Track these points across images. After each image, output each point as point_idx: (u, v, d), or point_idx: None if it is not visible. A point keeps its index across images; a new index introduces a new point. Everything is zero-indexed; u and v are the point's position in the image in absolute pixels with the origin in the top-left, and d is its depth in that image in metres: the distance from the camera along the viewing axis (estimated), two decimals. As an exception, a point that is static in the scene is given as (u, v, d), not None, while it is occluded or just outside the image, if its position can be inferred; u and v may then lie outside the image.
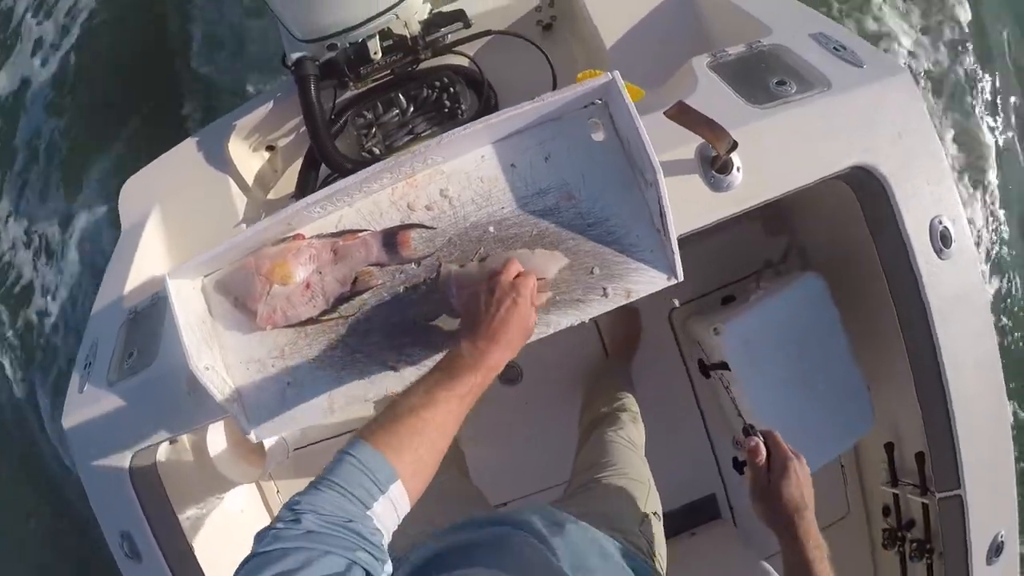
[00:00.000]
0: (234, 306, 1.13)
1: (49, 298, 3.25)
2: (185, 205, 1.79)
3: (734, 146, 1.10)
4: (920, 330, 1.26)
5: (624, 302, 1.06)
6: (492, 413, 1.93)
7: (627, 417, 1.58)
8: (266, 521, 1.96)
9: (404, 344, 1.10)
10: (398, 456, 0.74)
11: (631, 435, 1.51)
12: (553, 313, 1.06)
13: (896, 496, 1.57)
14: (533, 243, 1.06)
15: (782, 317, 1.49)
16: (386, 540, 0.70)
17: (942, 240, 1.23)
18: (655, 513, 1.22)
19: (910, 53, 2.93)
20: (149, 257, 1.72)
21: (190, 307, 1.11)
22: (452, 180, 1.09)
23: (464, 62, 1.81)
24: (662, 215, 1.00)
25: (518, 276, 0.94)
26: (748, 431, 0.98)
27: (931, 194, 1.22)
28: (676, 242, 1.02)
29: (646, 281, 1.05)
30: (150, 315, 1.43)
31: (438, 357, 0.97)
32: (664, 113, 1.12)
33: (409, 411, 0.79)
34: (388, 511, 0.71)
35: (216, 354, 1.14)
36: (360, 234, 1.11)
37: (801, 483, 0.91)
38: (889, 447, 1.58)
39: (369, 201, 1.11)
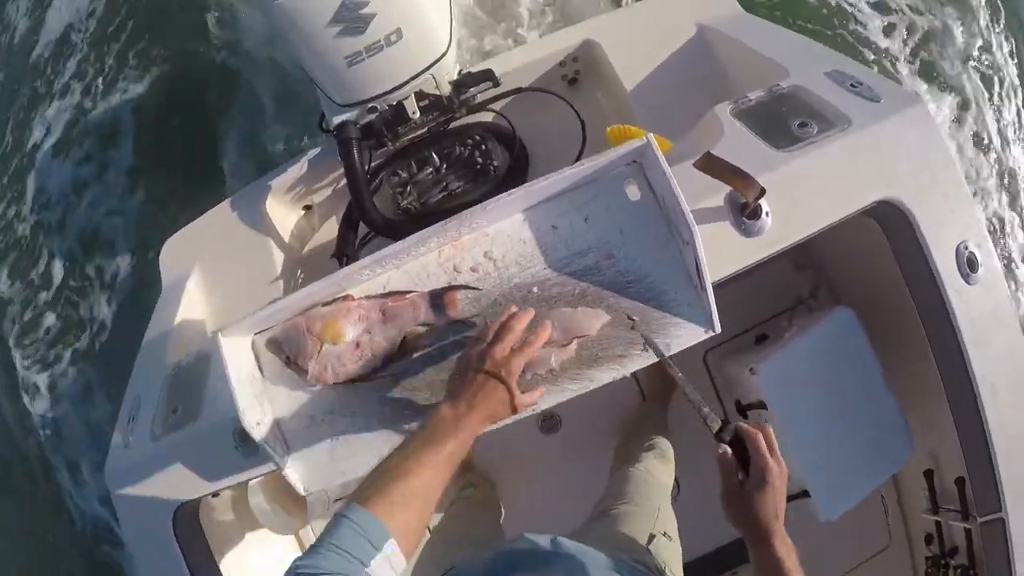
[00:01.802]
0: (285, 364, 1.17)
1: (82, 356, 3.33)
2: (224, 263, 1.83)
3: (762, 193, 1.13)
4: (953, 356, 1.26)
5: (665, 356, 1.07)
6: (530, 460, 1.94)
7: (653, 454, 1.57)
8: (305, 572, 1.98)
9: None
10: (392, 518, 0.78)
11: (650, 467, 1.50)
12: (595, 369, 1.08)
13: (938, 523, 1.54)
14: (575, 302, 1.09)
15: (816, 353, 1.49)
16: None
17: (969, 265, 1.24)
18: (665, 533, 1.21)
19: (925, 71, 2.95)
20: (190, 314, 1.76)
21: (241, 364, 1.14)
22: (496, 242, 1.13)
23: (495, 119, 1.86)
24: (699, 272, 1.02)
25: (516, 349, 0.93)
26: (721, 437, 0.92)
27: (955, 221, 1.24)
28: (713, 296, 1.04)
29: (685, 334, 1.07)
30: (194, 370, 1.45)
31: None
32: (693, 164, 1.16)
33: (399, 475, 0.83)
34: (385, 570, 0.75)
35: (267, 410, 1.16)
36: (408, 295, 1.14)
37: (777, 494, 0.87)
38: (928, 474, 1.55)
39: (416, 264, 1.15)
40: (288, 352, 1.15)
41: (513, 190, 1.06)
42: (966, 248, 1.23)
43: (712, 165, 1.15)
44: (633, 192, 1.12)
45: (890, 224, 1.26)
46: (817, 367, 1.48)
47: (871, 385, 1.48)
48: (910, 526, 1.73)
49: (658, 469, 1.54)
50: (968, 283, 1.23)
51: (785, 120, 1.29)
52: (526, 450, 1.97)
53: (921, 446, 1.52)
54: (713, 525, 1.34)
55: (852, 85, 1.36)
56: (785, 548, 0.87)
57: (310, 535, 2.01)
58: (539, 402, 1.07)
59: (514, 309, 0.99)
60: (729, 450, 0.91)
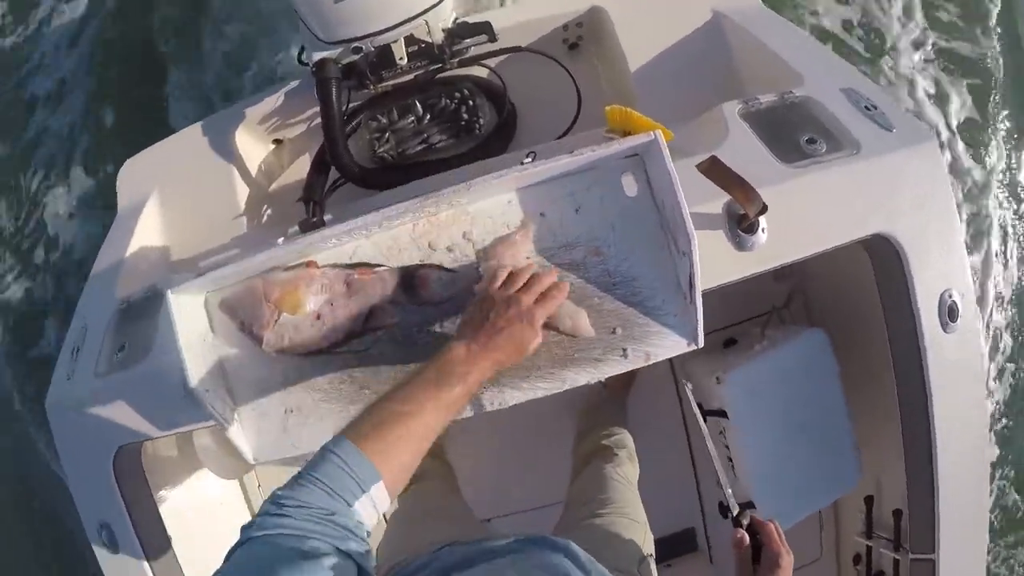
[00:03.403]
0: (239, 329, 1.07)
1: (39, 275, 3.09)
2: (186, 191, 1.69)
3: (764, 209, 1.06)
4: (916, 398, 1.25)
5: (643, 364, 1.01)
6: (483, 430, 1.89)
7: (625, 455, 1.54)
8: (245, 514, 1.92)
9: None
10: (382, 459, 0.72)
11: (628, 473, 1.48)
12: (570, 369, 1.01)
13: (869, 548, 1.57)
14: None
15: (784, 370, 1.46)
16: (365, 535, 0.69)
17: (950, 314, 1.21)
18: (650, 555, 1.20)
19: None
20: (145, 243, 1.63)
21: (191, 323, 1.04)
22: (477, 223, 1.03)
23: (487, 75, 1.73)
24: (691, 284, 0.95)
25: (540, 298, 0.89)
26: (738, 521, 0.95)
27: (944, 267, 1.20)
28: (701, 311, 0.97)
29: (667, 345, 1.01)
30: (144, 309, 1.36)
31: None
32: (697, 166, 1.07)
33: (395, 415, 0.77)
34: (369, 511, 0.70)
35: (217, 373, 1.07)
36: (376, 270, 1.04)
37: None
38: (869, 500, 1.57)
39: (388, 235, 1.05)
40: (243, 318, 1.04)
41: (503, 172, 0.96)
42: (950, 296, 1.21)
43: (716, 171, 1.06)
44: (630, 185, 1.02)
45: (881, 258, 1.22)
46: (782, 384, 1.46)
47: (831, 410, 1.47)
48: (841, 544, 1.77)
49: (631, 472, 1.51)
50: (945, 331, 1.21)
51: (794, 132, 1.22)
52: (477, 422, 1.90)
53: (867, 471, 1.53)
54: (654, 515, 1.35)
55: (866, 107, 1.28)
56: None
57: (254, 480, 1.95)
58: (508, 399, 1.01)
59: (536, 268, 0.94)
60: (747, 537, 0.92)
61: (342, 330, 1.04)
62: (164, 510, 1.45)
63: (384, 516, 0.81)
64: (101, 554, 1.38)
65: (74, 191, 3.07)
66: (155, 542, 1.39)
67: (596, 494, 1.35)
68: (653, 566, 1.17)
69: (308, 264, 1.05)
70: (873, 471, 1.54)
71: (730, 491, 0.96)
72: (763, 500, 1.46)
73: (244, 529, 0.64)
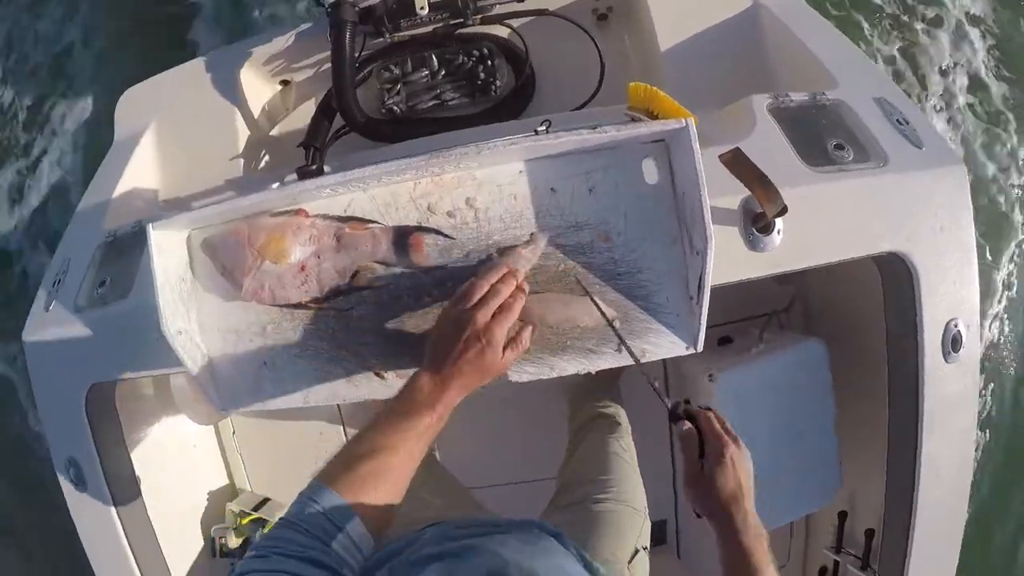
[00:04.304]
0: (219, 272, 1.00)
1: (29, 202, 2.99)
2: (185, 126, 1.61)
3: (784, 211, 0.99)
4: (908, 424, 1.20)
5: (637, 361, 0.95)
6: (465, 408, 1.84)
7: (624, 429, 1.47)
8: (218, 461, 1.89)
9: (396, 353, 0.98)
10: (359, 501, 0.72)
11: (630, 448, 1.40)
12: (561, 357, 0.95)
13: (836, 563, 1.55)
14: (555, 280, 0.94)
15: (778, 378, 1.41)
16: (349, 573, 0.67)
17: (953, 344, 1.16)
18: (645, 548, 1.15)
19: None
20: (138, 176, 1.56)
21: (171, 262, 0.98)
22: (482, 190, 0.95)
23: (509, 36, 1.63)
24: (700, 285, 0.88)
25: (497, 313, 0.82)
26: (678, 413, 0.86)
27: (955, 296, 1.16)
28: (706, 314, 0.91)
29: (665, 345, 0.95)
30: (129, 244, 1.30)
31: None
32: (719, 157, 1.00)
33: (366, 454, 0.75)
34: (350, 549, 0.69)
35: (192, 316, 1.01)
36: (369, 226, 0.97)
37: (737, 471, 0.81)
38: (842, 515, 1.54)
39: (386, 191, 0.97)
40: (224, 261, 0.97)
41: (518, 137, 0.88)
42: (955, 326, 1.16)
43: (739, 164, 0.99)
44: (650, 172, 0.95)
45: (892, 277, 1.17)
46: (774, 391, 1.41)
47: (820, 423, 1.43)
48: (809, 554, 1.74)
49: (632, 450, 1.42)
50: (947, 361, 1.16)
51: (822, 135, 1.15)
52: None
53: (844, 487, 1.50)
54: None
55: (898, 121, 1.22)
56: (751, 536, 0.79)
57: (229, 427, 1.90)
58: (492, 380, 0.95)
59: (506, 268, 0.86)
60: (691, 426, 0.84)
61: (326, 285, 0.98)
62: (134, 450, 1.41)
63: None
64: (68, 490, 1.34)
65: (73, 119, 2.95)
66: (122, 482, 1.36)
67: (597, 474, 1.28)
68: (646, 560, 1.11)
69: (298, 212, 0.98)
70: (850, 487, 1.51)
71: (657, 383, 0.87)
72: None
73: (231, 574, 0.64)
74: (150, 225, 0.94)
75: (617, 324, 0.92)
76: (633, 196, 0.94)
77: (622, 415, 1.58)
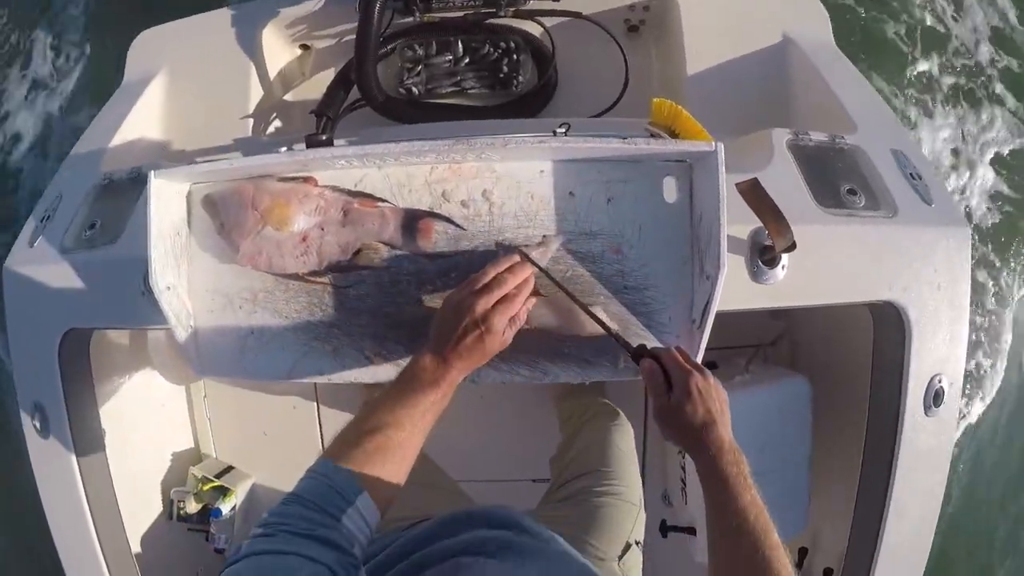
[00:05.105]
0: (217, 231, 0.96)
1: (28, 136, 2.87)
2: (197, 77, 1.56)
3: (792, 247, 0.98)
4: (880, 471, 1.20)
5: (630, 378, 0.93)
6: (452, 405, 1.82)
7: (623, 420, 1.43)
8: (186, 422, 1.85)
9: (389, 339, 0.95)
10: (366, 476, 0.71)
11: (629, 438, 1.37)
12: (557, 364, 0.93)
13: None
14: (563, 285, 0.91)
15: (760, 409, 1.40)
16: (358, 549, 0.66)
17: (935, 399, 1.17)
18: (638, 542, 1.13)
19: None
20: (142, 121, 1.51)
21: (168, 213, 0.93)
22: (500, 184, 0.92)
23: (539, 33, 1.60)
24: (705, 311, 0.87)
25: (500, 302, 0.80)
26: (640, 352, 0.85)
27: (944, 352, 1.16)
28: (706, 340, 0.89)
29: None
30: (124, 189, 1.24)
31: None
32: (736, 185, 0.99)
33: (371, 431, 0.75)
34: (359, 525, 0.68)
35: (182, 272, 0.97)
36: (379, 204, 0.93)
37: (705, 399, 0.80)
38: (803, 552, 1.54)
39: (402, 171, 0.94)
40: (224, 219, 0.93)
41: (546, 136, 0.86)
42: (939, 381, 1.16)
43: (755, 195, 0.97)
44: (670, 191, 0.93)
45: (885, 326, 1.17)
46: (755, 422, 1.40)
47: (795, 459, 1.42)
48: None
49: (631, 442, 1.39)
50: (927, 414, 1.17)
51: (836, 178, 1.14)
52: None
53: (809, 524, 1.50)
54: None
55: (911, 175, 1.22)
56: (726, 461, 0.77)
57: (201, 390, 1.85)
58: (483, 377, 0.93)
59: (517, 258, 0.84)
60: (655, 364, 0.83)
61: (326, 259, 0.94)
62: (103, 402, 1.37)
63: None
64: (31, 436, 1.30)
65: (85, 55, 2.85)
66: (87, 433, 1.31)
67: (597, 465, 1.26)
68: (639, 555, 1.09)
69: (307, 180, 0.94)
70: (813, 525, 1.51)
71: (616, 331, 0.87)
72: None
73: (233, 551, 0.63)
74: (152, 172, 0.90)
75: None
76: (650, 212, 0.92)
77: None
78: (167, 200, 0.93)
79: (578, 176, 0.92)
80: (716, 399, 0.81)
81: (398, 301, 0.94)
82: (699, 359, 0.90)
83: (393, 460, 0.74)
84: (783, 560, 0.71)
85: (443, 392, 0.80)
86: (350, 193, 0.94)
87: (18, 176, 2.89)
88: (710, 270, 0.85)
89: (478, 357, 0.81)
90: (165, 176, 0.91)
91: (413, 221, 0.93)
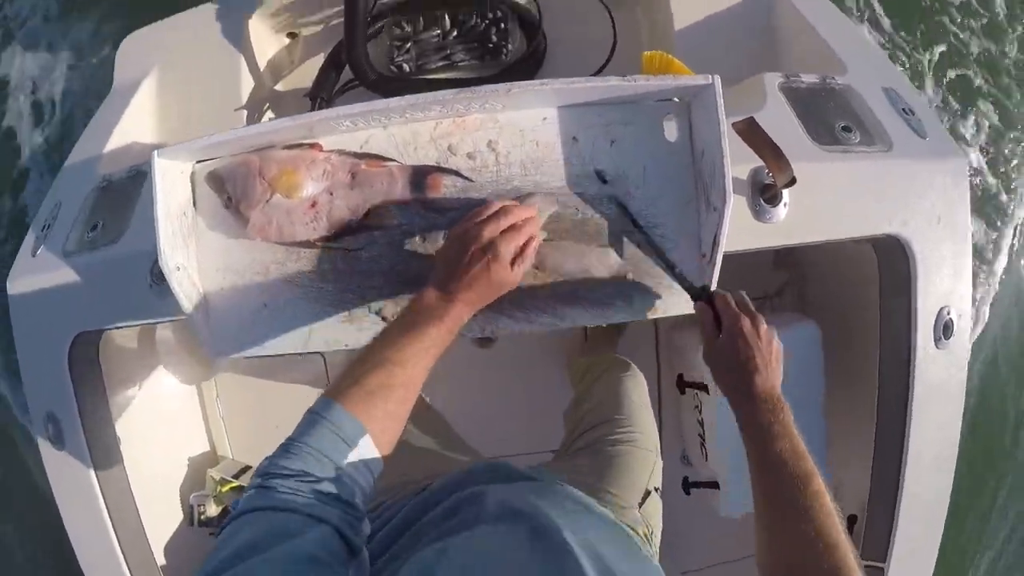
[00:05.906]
0: (224, 205, 0.95)
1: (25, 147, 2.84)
2: (187, 75, 1.55)
3: (792, 181, 0.98)
4: (896, 409, 1.21)
5: (647, 317, 0.93)
6: (463, 372, 1.81)
7: (636, 371, 1.41)
8: (199, 424, 1.82)
9: (405, 296, 0.94)
10: (368, 414, 0.68)
11: (643, 387, 1.36)
12: (573, 307, 0.93)
13: None
14: (573, 229, 0.91)
15: (771, 356, 1.40)
16: (360, 498, 0.65)
17: (944, 330, 1.18)
18: (656, 488, 1.12)
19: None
20: (135, 123, 1.49)
21: (173, 194, 0.92)
22: (504, 134, 0.92)
23: (525, 1, 1.60)
24: (714, 244, 0.87)
25: (507, 230, 0.79)
26: (699, 294, 0.89)
27: (949, 284, 1.17)
28: (719, 271, 0.90)
29: (675, 303, 0.94)
30: (124, 188, 1.23)
31: None
32: (733, 124, 0.99)
33: (374, 366, 0.72)
34: (361, 471, 0.66)
35: (191, 253, 0.96)
36: (387, 163, 0.93)
37: (749, 344, 0.80)
38: None
39: (407, 129, 0.93)
40: (231, 192, 0.92)
41: (548, 80, 0.85)
42: (948, 313, 1.17)
43: (752, 133, 0.97)
44: (671, 131, 0.93)
45: (889, 260, 1.17)
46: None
47: (809, 406, 1.41)
48: None
49: (645, 389, 1.37)
50: (937, 347, 1.17)
51: (830, 116, 1.15)
52: (458, 362, 1.79)
53: (828, 472, 1.49)
54: None
55: (904, 110, 1.22)
56: (765, 408, 0.77)
57: (213, 389, 1.83)
58: (501, 326, 0.92)
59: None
60: (707, 305, 0.85)
61: (337, 223, 0.93)
62: (116, 409, 1.34)
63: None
64: (44, 447, 1.27)
65: (71, 64, 2.82)
66: (102, 441, 1.29)
67: (612, 413, 1.24)
68: (658, 501, 1.09)
69: (312, 146, 0.94)
70: (835, 474, 1.51)
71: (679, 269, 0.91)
72: (728, 483, 1.43)
73: (234, 504, 0.59)
74: (156, 152, 0.89)
75: (629, 276, 0.90)
76: (653, 152, 0.93)
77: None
78: (172, 181, 0.92)
79: (580, 121, 0.92)
80: (765, 348, 0.81)
81: (410, 259, 0.94)
82: (714, 286, 0.91)
83: (396, 399, 0.72)
84: (826, 507, 0.70)
85: (448, 328, 0.77)
86: (356, 155, 0.94)
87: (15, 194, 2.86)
88: (716, 202, 0.85)
89: (484, 288, 0.78)
90: (169, 154, 0.90)
91: (421, 177, 0.92)
